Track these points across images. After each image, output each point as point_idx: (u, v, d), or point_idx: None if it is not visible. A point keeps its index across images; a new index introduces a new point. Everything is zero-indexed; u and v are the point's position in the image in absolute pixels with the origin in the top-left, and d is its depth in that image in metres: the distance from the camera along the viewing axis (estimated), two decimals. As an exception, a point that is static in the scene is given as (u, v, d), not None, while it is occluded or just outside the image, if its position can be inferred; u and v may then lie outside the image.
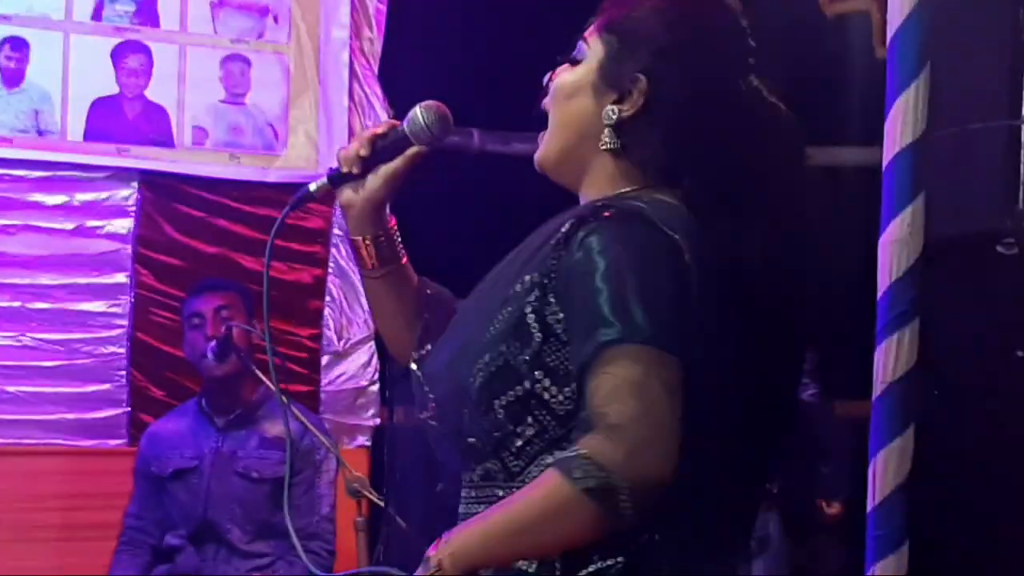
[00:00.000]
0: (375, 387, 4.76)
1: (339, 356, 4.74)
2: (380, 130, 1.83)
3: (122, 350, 4.44)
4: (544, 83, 1.85)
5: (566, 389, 1.64)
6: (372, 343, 4.80)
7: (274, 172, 4.68)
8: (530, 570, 1.66)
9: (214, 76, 4.64)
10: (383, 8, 4.79)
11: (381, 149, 1.76)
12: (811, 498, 4.60)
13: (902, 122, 3.00)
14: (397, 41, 4.86)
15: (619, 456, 1.53)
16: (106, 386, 4.33)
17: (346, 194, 1.82)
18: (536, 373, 1.65)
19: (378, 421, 4.77)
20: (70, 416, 4.34)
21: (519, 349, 1.66)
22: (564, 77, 1.82)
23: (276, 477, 3.96)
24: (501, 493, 1.70)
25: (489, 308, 1.72)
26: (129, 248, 4.51)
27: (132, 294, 4.52)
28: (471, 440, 1.69)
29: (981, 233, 4.54)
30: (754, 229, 1.73)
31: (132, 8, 4.51)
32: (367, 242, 1.85)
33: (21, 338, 4.34)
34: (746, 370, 1.67)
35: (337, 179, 1.79)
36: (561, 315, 1.66)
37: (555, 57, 1.85)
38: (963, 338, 4.45)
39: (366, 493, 3.56)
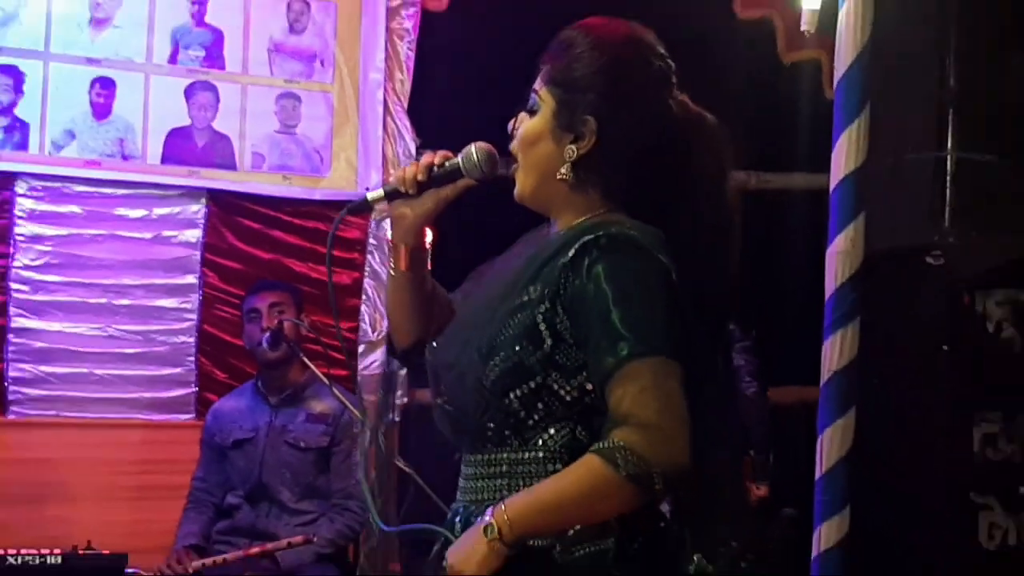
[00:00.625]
0: (404, 371, 4.87)
1: (373, 345, 4.89)
2: (437, 160, 1.93)
3: (191, 340, 4.61)
4: (509, 130, 1.94)
5: (572, 381, 1.78)
6: None
7: (320, 191, 4.85)
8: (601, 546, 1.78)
9: (270, 110, 4.80)
10: (412, 55, 4.95)
11: (435, 177, 1.89)
12: (742, 481, 4.73)
13: (846, 153, 3.10)
14: (424, 82, 5.00)
15: (652, 448, 1.68)
16: (177, 370, 4.53)
17: (400, 209, 1.93)
18: (548, 370, 1.78)
19: (407, 400, 4.91)
20: (147, 395, 4.52)
21: (532, 351, 1.78)
22: (526, 127, 1.92)
23: (319, 447, 4.10)
24: (512, 457, 1.83)
25: (497, 313, 1.84)
26: (198, 254, 4.69)
27: (200, 293, 4.69)
28: (490, 425, 1.82)
29: (912, 247, 4.58)
30: (693, 233, 1.88)
31: (202, 54, 4.72)
32: (407, 250, 1.97)
33: (107, 329, 4.54)
34: (708, 363, 1.88)
35: (393, 195, 1.92)
36: (569, 324, 1.78)
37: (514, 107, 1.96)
38: (897, 335, 4.48)
39: (395, 461, 3.94)
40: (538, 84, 1.92)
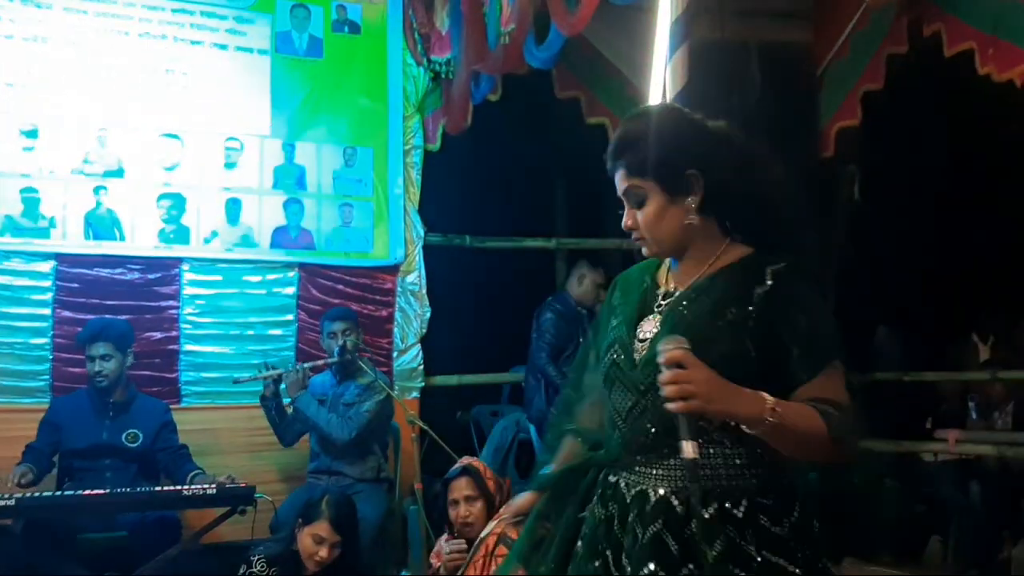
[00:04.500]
0: (421, 367, 5.17)
1: (401, 352, 5.19)
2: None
3: (292, 353, 4.88)
4: (626, 226, 1.69)
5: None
6: (419, 345, 5.18)
7: (367, 261, 5.10)
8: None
9: (336, 214, 5.08)
10: (419, 178, 5.23)
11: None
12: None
13: None
14: (427, 193, 5.27)
15: (849, 424, 1.55)
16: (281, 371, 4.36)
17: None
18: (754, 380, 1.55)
19: (422, 384, 5.18)
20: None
21: (740, 364, 1.57)
22: (645, 215, 1.67)
23: (359, 402, 4.23)
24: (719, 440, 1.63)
25: (703, 331, 1.59)
26: (294, 301, 4.97)
27: (296, 325, 4.97)
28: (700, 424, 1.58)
29: None
30: (794, 244, 1.65)
31: (293, 180, 5.01)
32: None
33: (241, 350, 4.80)
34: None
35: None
36: (769, 335, 1.58)
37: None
38: None
39: (417, 421, 4.08)
40: (629, 182, 1.68)
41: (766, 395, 1.52)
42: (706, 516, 1.57)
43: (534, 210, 6.01)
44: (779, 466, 1.62)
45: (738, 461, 1.61)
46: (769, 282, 1.60)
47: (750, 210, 1.66)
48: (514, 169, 5.72)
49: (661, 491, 1.63)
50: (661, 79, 3.18)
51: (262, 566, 3.34)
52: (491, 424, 5.63)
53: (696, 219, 1.66)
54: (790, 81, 4.64)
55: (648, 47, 3.31)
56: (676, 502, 1.62)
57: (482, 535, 3.19)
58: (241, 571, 3.34)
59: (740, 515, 1.59)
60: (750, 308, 1.60)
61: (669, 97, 3.05)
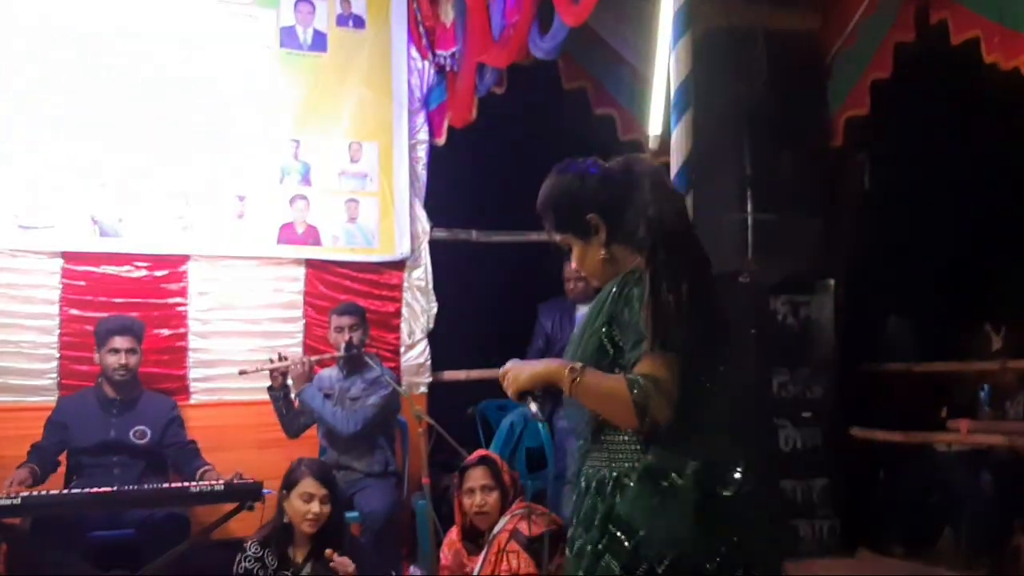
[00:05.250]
0: (428, 362, 5.20)
1: (409, 347, 5.19)
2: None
3: (300, 349, 4.87)
4: (568, 265, 1.95)
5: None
6: (425, 340, 5.19)
7: (373, 257, 5.11)
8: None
9: (342, 209, 5.07)
10: (425, 172, 5.24)
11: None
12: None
13: None
14: (432, 186, 5.28)
15: (653, 394, 1.72)
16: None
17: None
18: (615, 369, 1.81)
19: (430, 379, 5.22)
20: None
21: (607, 357, 1.82)
22: (576, 257, 1.99)
23: (364, 396, 4.29)
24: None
25: (582, 333, 1.90)
26: (301, 298, 5.00)
27: (304, 320, 5.00)
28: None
29: (730, 272, 4.64)
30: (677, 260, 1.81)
31: (299, 177, 5.00)
32: None
33: (249, 345, 4.78)
34: (717, 356, 1.84)
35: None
36: (612, 331, 1.83)
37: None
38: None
39: (424, 417, 3.91)
40: (555, 237, 2.00)
41: (572, 364, 1.80)
42: (597, 488, 1.84)
43: (542, 204, 5.93)
44: (663, 451, 1.81)
45: (635, 447, 1.83)
46: (614, 289, 1.84)
47: (641, 230, 1.85)
48: (520, 162, 5.33)
49: (598, 472, 1.88)
50: (666, 68, 3.16)
51: (255, 549, 3.38)
52: (498, 419, 5.61)
53: (606, 252, 1.92)
54: (798, 70, 4.66)
55: (653, 35, 3.30)
56: (602, 478, 1.87)
57: (494, 531, 3.20)
58: (236, 561, 3.38)
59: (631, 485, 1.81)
60: (605, 310, 1.85)
61: (673, 86, 3.01)
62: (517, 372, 1.87)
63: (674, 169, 3.00)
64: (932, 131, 5.12)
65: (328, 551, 3.34)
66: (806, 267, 4.79)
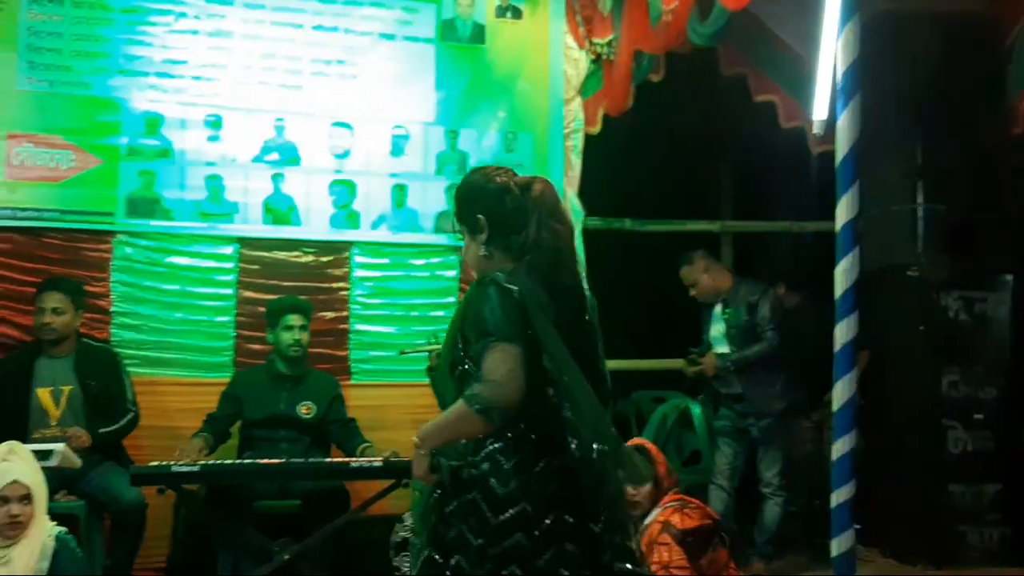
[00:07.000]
0: None
1: None
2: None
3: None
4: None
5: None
6: None
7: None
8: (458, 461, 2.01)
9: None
10: (579, 160, 5.16)
11: None
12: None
13: (847, 206, 2.86)
14: (586, 175, 5.21)
15: (491, 394, 1.93)
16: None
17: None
18: (467, 361, 2.05)
19: None
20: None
21: (460, 350, 2.07)
22: (464, 249, 2.25)
23: None
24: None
25: (447, 332, 2.16)
26: (456, 284, 4.95)
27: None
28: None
29: (898, 265, 4.74)
30: (546, 265, 2.06)
31: (455, 166, 4.96)
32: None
33: (404, 330, 4.80)
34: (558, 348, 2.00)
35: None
36: (460, 329, 2.07)
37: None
38: (891, 321, 4.62)
39: None
40: (457, 227, 2.23)
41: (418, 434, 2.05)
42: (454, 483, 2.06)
43: (698, 192, 5.84)
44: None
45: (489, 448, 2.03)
46: (471, 290, 2.03)
47: (517, 242, 2.07)
48: (677, 150, 5.60)
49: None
50: (832, 53, 3.09)
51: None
52: (651, 410, 5.58)
53: (485, 251, 2.12)
54: (975, 55, 4.52)
55: (818, 20, 3.20)
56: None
57: (646, 521, 3.20)
58: (394, 530, 3.61)
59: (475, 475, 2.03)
60: (461, 309, 2.08)
61: (840, 72, 2.94)
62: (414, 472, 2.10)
63: (840, 156, 2.91)
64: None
65: None
66: (981, 262, 4.69)
